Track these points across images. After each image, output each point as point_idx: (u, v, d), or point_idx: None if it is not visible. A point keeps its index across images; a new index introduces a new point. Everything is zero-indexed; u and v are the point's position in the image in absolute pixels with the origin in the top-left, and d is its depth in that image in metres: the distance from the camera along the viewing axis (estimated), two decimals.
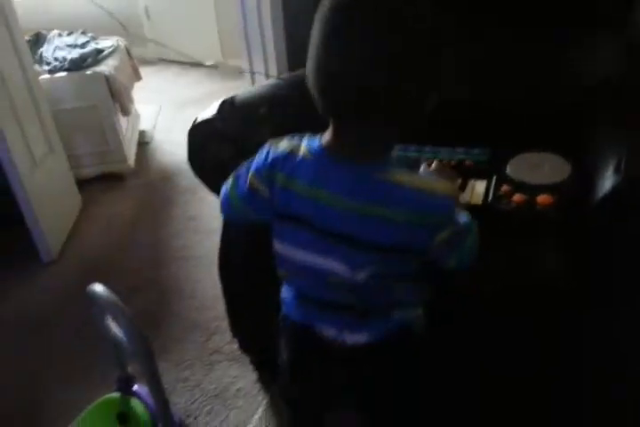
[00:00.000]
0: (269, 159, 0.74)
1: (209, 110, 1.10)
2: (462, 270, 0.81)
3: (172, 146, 2.69)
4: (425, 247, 0.73)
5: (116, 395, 1.07)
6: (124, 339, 0.90)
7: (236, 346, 1.48)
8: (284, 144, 0.75)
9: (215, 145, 1.07)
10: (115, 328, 0.93)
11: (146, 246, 1.95)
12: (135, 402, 1.05)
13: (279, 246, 0.79)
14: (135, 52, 2.78)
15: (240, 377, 1.41)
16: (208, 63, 3.66)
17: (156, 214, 2.16)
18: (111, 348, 1.02)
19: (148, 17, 3.61)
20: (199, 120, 1.09)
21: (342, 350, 0.80)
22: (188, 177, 2.39)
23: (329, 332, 0.81)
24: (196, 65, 3.80)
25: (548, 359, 0.94)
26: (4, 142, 1.61)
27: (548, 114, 1.13)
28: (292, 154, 0.73)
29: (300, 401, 0.91)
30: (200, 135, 1.08)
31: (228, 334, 1.52)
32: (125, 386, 1.06)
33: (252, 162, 0.78)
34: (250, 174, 0.77)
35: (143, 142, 2.72)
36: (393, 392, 0.84)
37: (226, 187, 0.83)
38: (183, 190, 2.31)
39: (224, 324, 1.55)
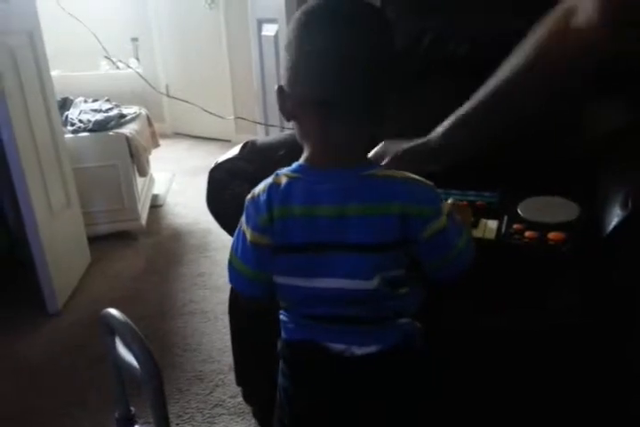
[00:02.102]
0: (260, 206, 0.75)
1: (230, 151, 1.16)
2: (452, 281, 0.80)
3: (184, 209, 2.75)
4: (415, 239, 0.74)
5: None
6: (134, 364, 0.88)
7: (239, 400, 1.43)
8: (261, 186, 0.77)
9: (234, 183, 1.12)
10: (123, 355, 0.92)
11: (152, 301, 1.94)
12: None
13: (284, 279, 0.78)
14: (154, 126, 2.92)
15: None
16: (221, 138, 3.84)
17: (164, 271, 2.17)
18: (115, 383, 0.99)
19: (168, 95, 3.84)
20: (221, 160, 1.14)
21: (352, 361, 0.78)
22: (198, 237, 2.46)
23: (336, 346, 0.78)
24: (210, 139, 3.99)
25: (562, 395, 0.92)
26: (26, 191, 1.67)
27: (556, 161, 1.19)
28: (275, 185, 0.74)
29: (309, 418, 0.85)
30: (220, 174, 1.13)
31: (231, 388, 1.48)
32: (126, 425, 1.02)
33: (240, 232, 0.79)
34: (249, 235, 0.77)
35: (156, 205, 2.79)
36: (403, 404, 0.81)
37: (229, 264, 0.83)
38: (192, 249, 2.33)
39: (228, 377, 1.51)
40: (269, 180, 0.76)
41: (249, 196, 0.78)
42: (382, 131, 0.78)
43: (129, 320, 0.90)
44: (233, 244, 0.82)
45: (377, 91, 0.72)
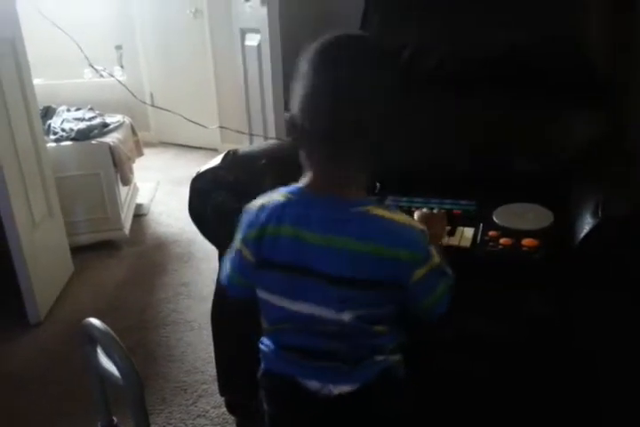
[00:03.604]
0: (254, 217, 0.78)
1: (213, 161, 1.17)
2: (430, 320, 0.82)
3: (168, 218, 2.75)
4: (404, 283, 0.75)
5: None
6: (116, 373, 0.88)
7: (222, 410, 1.43)
8: (259, 201, 0.79)
9: (216, 192, 1.13)
10: (104, 364, 0.92)
11: (136, 310, 1.93)
12: None
13: (264, 294, 0.81)
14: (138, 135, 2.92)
15: None
16: (207, 147, 3.84)
17: (147, 280, 2.16)
18: (97, 393, 1.00)
19: (153, 103, 3.84)
20: (203, 169, 1.15)
21: (328, 400, 0.78)
22: (182, 246, 2.45)
23: (312, 384, 0.79)
24: (196, 148, 3.99)
25: (534, 404, 0.93)
26: (7, 200, 1.66)
27: (531, 171, 1.22)
28: (272, 203, 0.77)
29: None
30: (202, 182, 1.14)
31: (214, 398, 1.48)
32: None
33: (235, 239, 0.83)
34: (239, 245, 0.81)
35: (140, 214, 2.78)
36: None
37: (225, 267, 0.87)
38: (176, 258, 2.33)
39: (212, 387, 1.51)
40: (272, 197, 0.78)
41: (248, 206, 0.80)
42: (382, 164, 0.79)
43: (110, 330, 0.91)
44: (230, 256, 0.85)
45: (381, 128, 0.73)
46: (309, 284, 0.75)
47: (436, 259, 0.77)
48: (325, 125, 0.72)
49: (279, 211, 0.76)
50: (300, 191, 0.76)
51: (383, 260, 0.73)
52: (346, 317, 0.75)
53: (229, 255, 0.85)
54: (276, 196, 0.78)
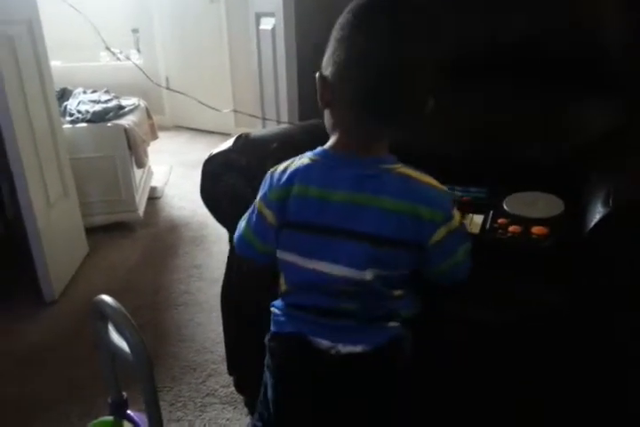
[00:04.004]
0: (276, 180, 0.79)
1: (225, 144, 1.18)
2: (448, 285, 0.82)
3: (182, 201, 2.77)
4: (423, 242, 0.76)
5: (109, 418, 1.05)
6: (126, 350, 0.90)
7: (231, 389, 1.46)
8: (283, 164, 0.81)
9: (228, 175, 1.13)
10: (115, 341, 0.94)
11: (148, 291, 1.96)
12: (128, 426, 1.03)
13: (286, 255, 0.81)
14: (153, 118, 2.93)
15: (233, 420, 1.38)
16: (221, 131, 3.85)
17: (160, 262, 2.19)
18: (107, 369, 1.02)
19: (168, 87, 3.84)
20: (215, 152, 1.16)
21: (336, 357, 0.79)
22: (196, 229, 2.48)
23: (323, 342, 0.80)
24: (210, 132, 4.00)
25: (549, 392, 0.94)
26: (24, 179, 1.69)
27: (543, 160, 1.21)
28: (297, 165, 0.78)
29: (291, 413, 0.87)
30: (214, 165, 1.14)
31: (223, 377, 1.50)
32: (119, 410, 1.04)
33: (254, 206, 0.84)
34: (257, 204, 0.83)
35: (154, 197, 2.81)
36: (384, 404, 0.83)
37: (240, 225, 0.88)
38: (189, 241, 2.35)
39: (221, 367, 1.54)
40: (297, 160, 0.79)
41: (271, 170, 0.81)
42: (409, 132, 0.79)
43: (121, 306, 0.92)
44: (246, 217, 0.86)
45: (415, 96, 0.74)
46: (334, 243, 0.76)
47: (458, 222, 0.77)
48: (362, 90, 0.71)
49: (304, 172, 0.77)
50: (325, 153, 0.77)
51: (406, 217, 0.73)
52: (368, 276, 0.75)
53: (246, 217, 0.86)
54: (302, 159, 0.79)
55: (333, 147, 0.77)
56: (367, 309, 0.79)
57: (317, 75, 0.76)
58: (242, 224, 0.87)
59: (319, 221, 0.76)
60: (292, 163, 0.80)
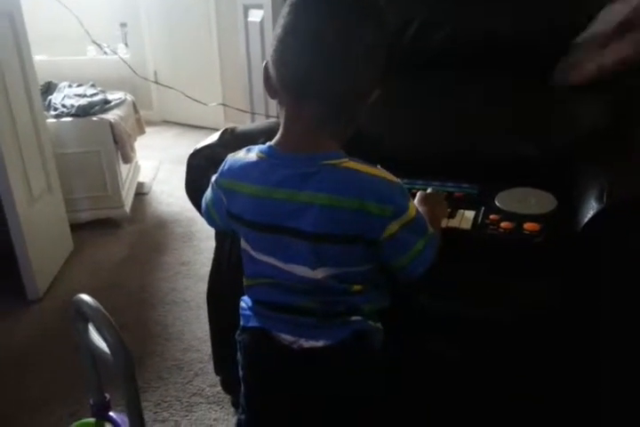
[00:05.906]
0: (225, 169, 0.80)
1: (210, 138, 1.15)
2: (412, 279, 0.80)
3: (169, 197, 2.74)
4: (375, 238, 0.73)
5: (91, 420, 1.02)
6: (106, 350, 0.87)
7: (218, 389, 1.43)
8: (241, 152, 0.80)
9: (213, 169, 1.10)
10: (96, 341, 0.91)
11: (135, 289, 1.93)
12: None
13: (243, 244, 0.82)
14: (141, 113, 2.89)
15: (220, 420, 1.35)
16: (210, 126, 3.81)
17: (147, 259, 2.15)
18: (89, 370, 0.99)
19: (156, 81, 3.80)
20: (200, 146, 1.13)
21: (299, 352, 0.79)
22: (184, 225, 2.44)
23: (286, 337, 0.79)
24: (199, 127, 3.96)
25: (533, 387, 0.92)
26: (5, 174, 1.65)
27: (536, 156, 1.19)
28: (245, 160, 0.78)
29: (262, 409, 0.87)
30: (199, 160, 1.11)
31: (210, 377, 1.48)
32: (101, 411, 1.01)
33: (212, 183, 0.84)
34: (213, 183, 0.83)
35: (142, 193, 2.77)
36: (351, 398, 0.81)
37: (204, 197, 0.89)
38: (177, 238, 2.32)
39: (208, 366, 1.51)
40: (249, 155, 0.78)
41: (232, 153, 0.81)
42: (356, 124, 0.77)
43: (100, 306, 0.90)
44: (209, 189, 0.86)
45: (356, 82, 0.71)
46: (282, 241, 0.74)
47: (412, 214, 0.74)
48: (295, 72, 0.70)
49: (249, 170, 0.76)
50: (271, 150, 0.75)
51: (352, 214, 0.70)
52: (320, 274, 0.74)
53: (208, 192, 0.86)
54: (250, 153, 0.78)
55: (278, 143, 0.75)
56: (326, 305, 0.78)
57: (263, 64, 0.76)
58: (207, 194, 0.88)
59: (264, 219, 0.75)
60: (245, 155, 0.79)
